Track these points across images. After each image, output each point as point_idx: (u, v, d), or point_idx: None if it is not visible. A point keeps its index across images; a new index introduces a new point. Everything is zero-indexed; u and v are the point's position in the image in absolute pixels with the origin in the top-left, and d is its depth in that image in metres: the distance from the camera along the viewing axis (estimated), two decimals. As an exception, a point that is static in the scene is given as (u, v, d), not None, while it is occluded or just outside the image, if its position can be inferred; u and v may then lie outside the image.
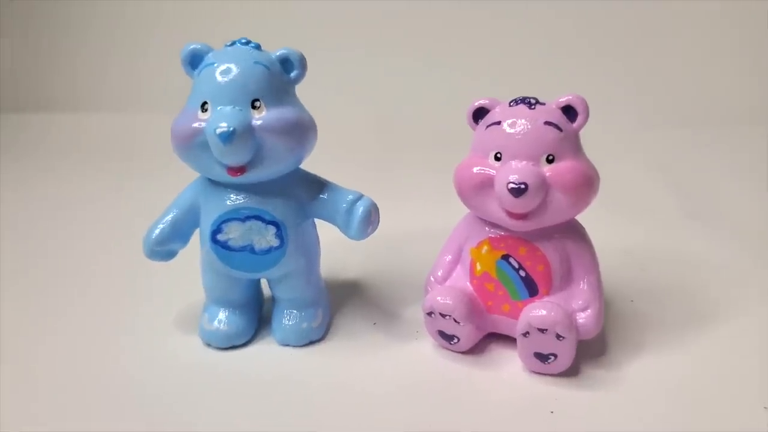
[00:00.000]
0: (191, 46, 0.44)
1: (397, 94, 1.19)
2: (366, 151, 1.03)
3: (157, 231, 0.47)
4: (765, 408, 0.41)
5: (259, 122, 0.41)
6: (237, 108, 0.41)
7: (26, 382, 0.45)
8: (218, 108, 0.41)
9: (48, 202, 0.86)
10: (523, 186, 0.40)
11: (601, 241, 0.47)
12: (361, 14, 1.24)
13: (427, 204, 0.77)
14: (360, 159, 0.98)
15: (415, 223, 0.66)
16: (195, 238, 0.49)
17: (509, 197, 0.41)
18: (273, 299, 0.51)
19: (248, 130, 0.41)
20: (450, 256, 0.49)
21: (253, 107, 0.42)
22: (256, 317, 0.51)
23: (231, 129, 0.40)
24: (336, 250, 0.53)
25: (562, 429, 0.40)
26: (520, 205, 0.41)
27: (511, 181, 0.40)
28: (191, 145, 0.42)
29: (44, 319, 0.53)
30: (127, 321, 0.53)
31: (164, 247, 0.47)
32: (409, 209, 0.61)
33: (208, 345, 0.49)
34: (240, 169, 0.42)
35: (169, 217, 0.47)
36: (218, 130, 0.40)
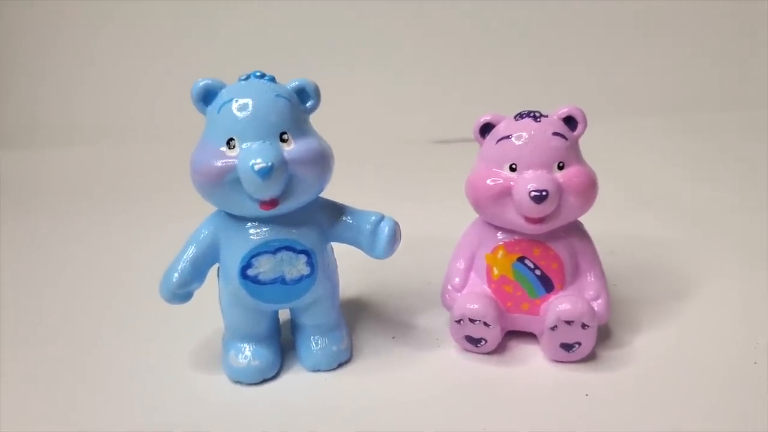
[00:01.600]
0: (203, 82, 0.43)
1: (376, 103, 1.22)
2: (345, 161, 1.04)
3: (177, 273, 0.45)
4: (755, 363, 0.48)
5: (289, 155, 0.42)
6: (267, 143, 0.41)
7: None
8: (247, 144, 0.41)
9: (24, 244, 0.81)
10: (544, 193, 0.44)
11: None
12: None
13: (417, 214, 0.79)
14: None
15: (409, 233, 0.68)
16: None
17: (531, 204, 0.44)
18: (294, 327, 0.51)
19: (284, 164, 0.41)
20: (463, 264, 0.52)
21: (282, 140, 0.42)
22: (279, 347, 0.51)
23: (270, 164, 0.40)
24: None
25: (602, 408, 0.44)
26: (541, 210, 0.45)
27: (533, 189, 0.44)
28: (222, 182, 0.41)
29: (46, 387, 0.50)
30: (137, 370, 0.51)
31: (185, 289, 0.46)
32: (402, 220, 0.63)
33: (237, 382, 0.48)
34: (272, 203, 0.42)
35: (188, 257, 0.46)
36: (257, 167, 0.40)
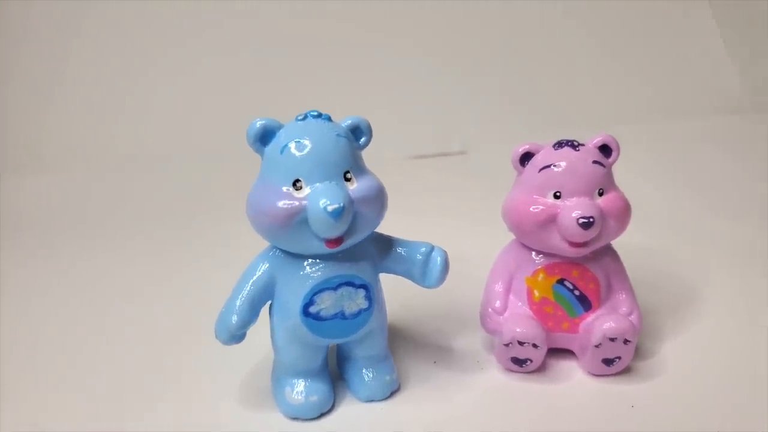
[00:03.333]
0: (260, 122, 0.43)
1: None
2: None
3: (235, 315, 0.45)
4: (775, 362, 0.52)
5: (354, 193, 0.42)
6: (333, 182, 0.42)
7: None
8: (315, 184, 0.42)
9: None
10: (591, 219, 0.46)
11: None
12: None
13: (419, 231, 0.80)
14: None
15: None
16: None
17: (578, 229, 0.47)
18: (342, 359, 0.52)
19: (352, 203, 0.42)
20: (502, 287, 0.54)
21: (345, 179, 0.43)
22: (331, 379, 0.51)
23: (342, 205, 0.40)
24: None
25: (650, 417, 0.47)
26: (586, 235, 0.47)
27: (581, 216, 0.46)
28: (291, 223, 0.41)
29: None
30: (190, 414, 0.49)
31: (243, 330, 0.46)
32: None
33: (295, 419, 0.48)
34: (338, 240, 0.43)
35: (245, 296, 0.45)
36: (330, 208, 0.40)
